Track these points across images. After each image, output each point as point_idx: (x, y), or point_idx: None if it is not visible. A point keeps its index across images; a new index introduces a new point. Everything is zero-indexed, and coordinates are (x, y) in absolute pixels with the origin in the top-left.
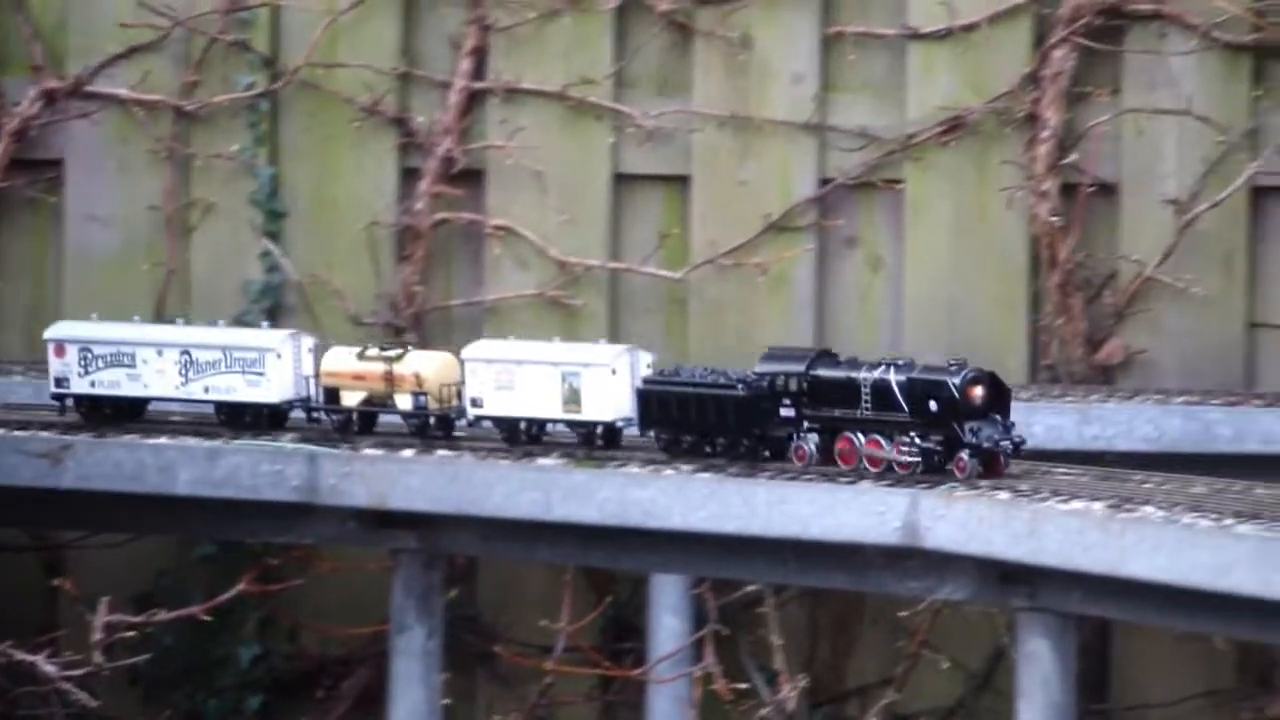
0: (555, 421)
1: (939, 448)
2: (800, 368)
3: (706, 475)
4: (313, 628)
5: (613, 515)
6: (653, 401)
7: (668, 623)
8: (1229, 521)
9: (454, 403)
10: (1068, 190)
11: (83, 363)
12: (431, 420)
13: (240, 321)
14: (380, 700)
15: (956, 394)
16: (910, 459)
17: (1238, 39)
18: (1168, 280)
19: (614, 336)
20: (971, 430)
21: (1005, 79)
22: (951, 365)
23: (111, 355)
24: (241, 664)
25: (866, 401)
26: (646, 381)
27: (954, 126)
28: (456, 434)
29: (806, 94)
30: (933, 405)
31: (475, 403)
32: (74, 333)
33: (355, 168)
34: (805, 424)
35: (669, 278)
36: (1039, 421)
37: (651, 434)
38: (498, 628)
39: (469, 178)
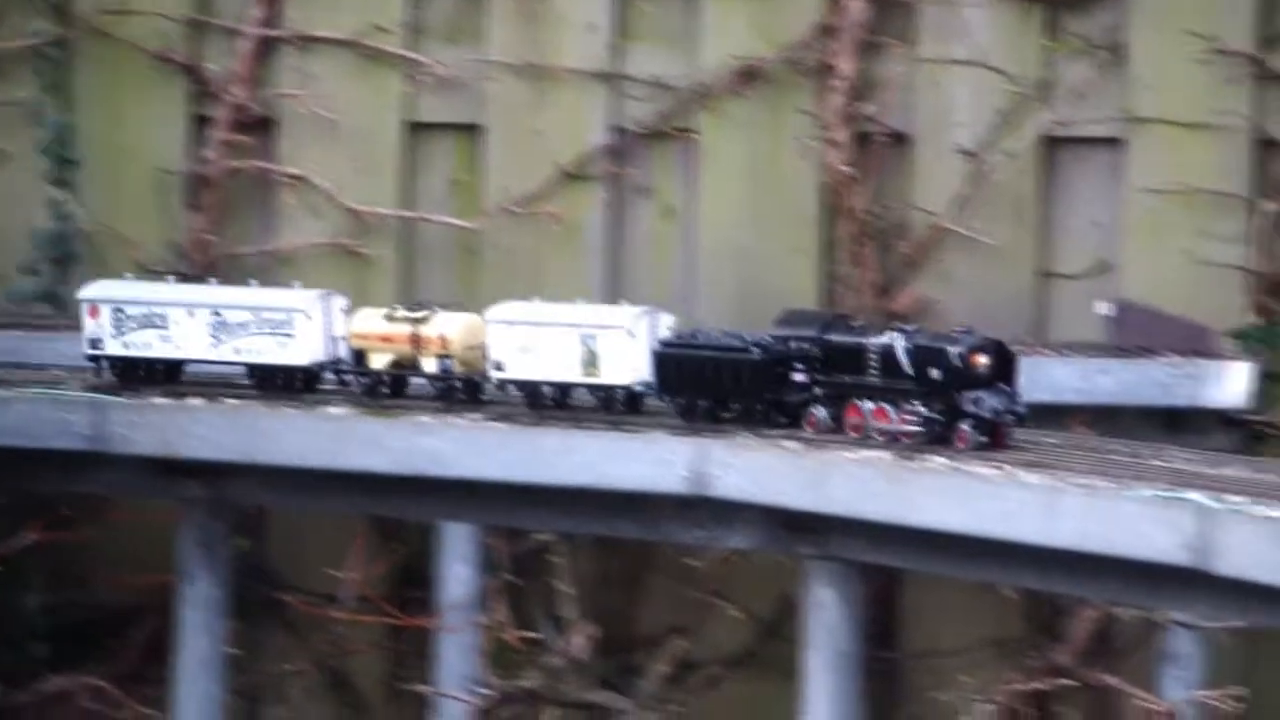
0: (575, 386)
1: (940, 417)
2: (813, 332)
3: (497, 424)
4: (103, 577)
5: (401, 464)
6: (669, 365)
7: (458, 571)
8: (1014, 471)
9: (479, 366)
10: (861, 140)
11: (115, 323)
12: (457, 384)
13: (30, 271)
14: (169, 649)
15: (958, 362)
16: (914, 429)
17: None
18: (960, 229)
19: (406, 285)
20: (972, 400)
21: (799, 29)
22: (957, 332)
23: (143, 316)
24: (29, 613)
25: (874, 368)
26: (663, 344)
27: (747, 76)
28: (483, 398)
29: (600, 43)
30: (934, 373)
31: (498, 366)
32: (107, 293)
33: (147, 116)
34: (817, 390)
35: (462, 226)
36: None
37: (668, 398)
38: (288, 577)
39: (261, 126)
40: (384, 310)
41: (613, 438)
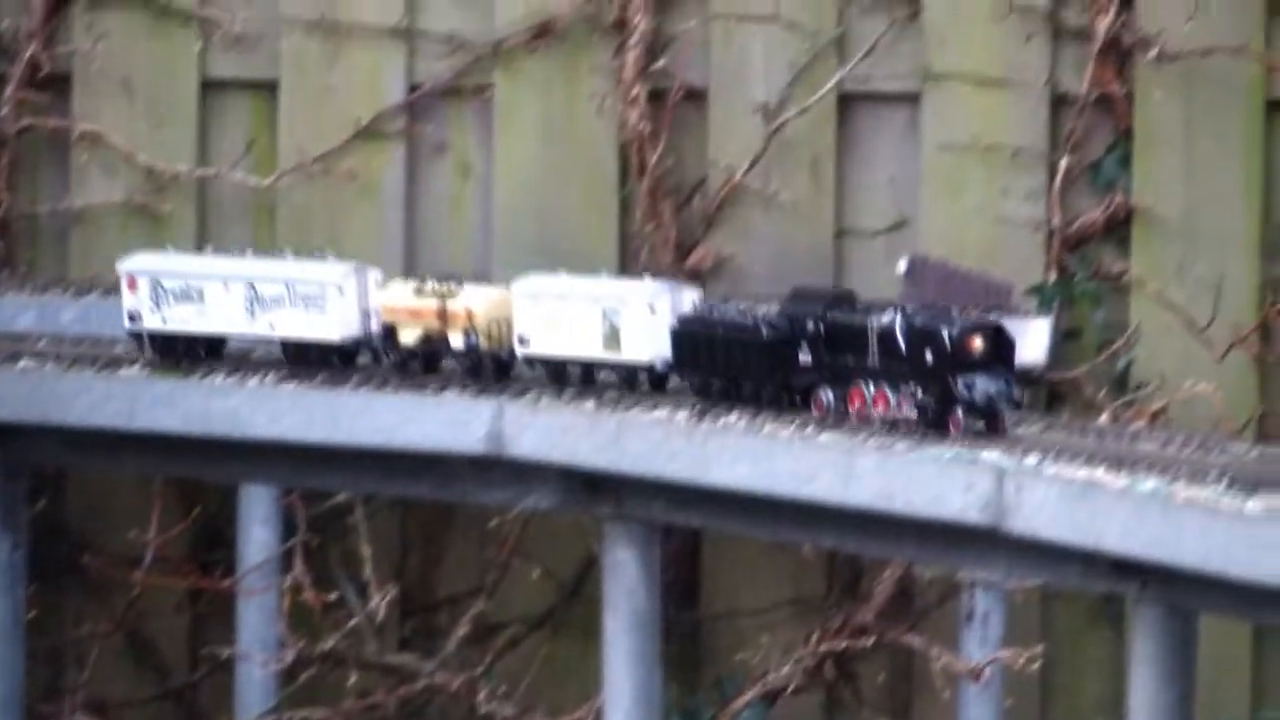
0: (598, 363)
1: (933, 402)
2: (817, 310)
3: (291, 385)
4: None
5: (197, 424)
6: (684, 342)
7: (257, 534)
8: (811, 430)
9: (507, 341)
10: (656, 97)
11: (154, 297)
12: (485, 360)
13: None
14: None
15: (950, 344)
16: (910, 414)
17: None
18: (756, 186)
19: (202, 245)
20: (965, 384)
21: None
22: (956, 313)
23: (181, 289)
24: None
25: (875, 350)
26: (680, 320)
27: (542, 32)
28: (513, 375)
29: (396, 0)
30: (928, 355)
31: (522, 340)
32: (146, 265)
33: None
34: (823, 371)
35: (257, 185)
36: None
37: (684, 376)
38: (87, 539)
39: (55, 83)
40: (414, 283)
41: (410, 398)
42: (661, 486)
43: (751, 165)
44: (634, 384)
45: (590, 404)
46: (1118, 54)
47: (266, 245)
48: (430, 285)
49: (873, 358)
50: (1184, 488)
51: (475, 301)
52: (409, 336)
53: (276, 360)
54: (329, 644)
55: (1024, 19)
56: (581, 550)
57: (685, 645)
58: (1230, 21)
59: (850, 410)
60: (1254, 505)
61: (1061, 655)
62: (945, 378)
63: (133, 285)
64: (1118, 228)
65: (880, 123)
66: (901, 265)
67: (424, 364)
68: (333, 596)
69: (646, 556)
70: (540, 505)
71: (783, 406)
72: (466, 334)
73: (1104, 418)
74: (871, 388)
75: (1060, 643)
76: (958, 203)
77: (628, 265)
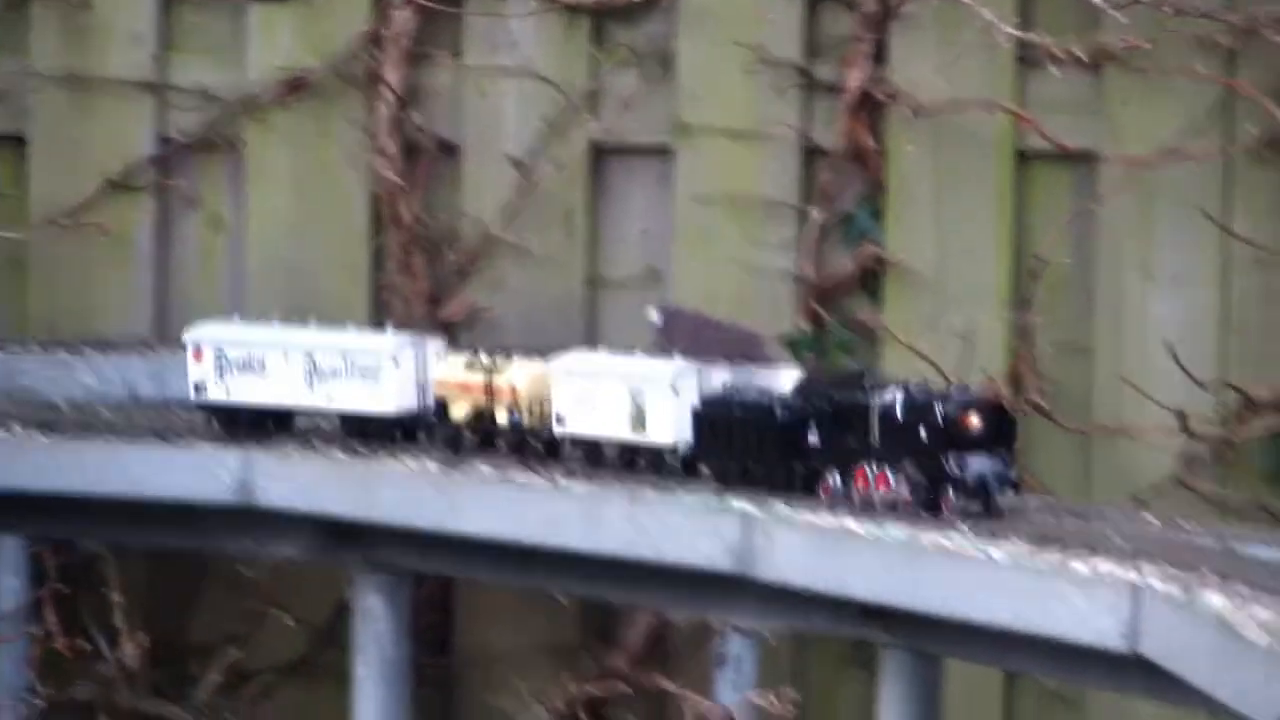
0: (627, 445)
1: (926, 481)
2: (826, 389)
3: (42, 435)
4: None
5: None
6: (705, 424)
7: (8, 583)
8: (560, 479)
9: (548, 419)
10: (410, 150)
11: (218, 367)
12: (528, 439)
13: None
14: None
15: (945, 421)
16: (905, 494)
17: (577, 0)
18: (510, 238)
19: None
20: (958, 463)
21: (346, 39)
22: (954, 389)
23: (243, 360)
24: None
25: (876, 429)
26: (703, 401)
27: (295, 87)
28: (562, 456)
29: (145, 53)
30: (923, 433)
31: (559, 420)
32: (212, 334)
33: None
34: (830, 453)
35: (7, 238)
36: None
37: (704, 461)
38: None
39: None
40: (466, 356)
41: (158, 448)
42: (411, 535)
43: (504, 217)
44: (660, 468)
45: (340, 454)
46: (870, 107)
47: (18, 301)
48: (482, 359)
49: (874, 437)
50: (930, 535)
51: (519, 377)
52: (459, 411)
53: (325, 431)
54: (81, 692)
55: (776, 73)
56: (334, 597)
57: (439, 691)
58: (980, 75)
59: (855, 492)
60: (998, 552)
61: (815, 699)
62: (939, 456)
63: (199, 355)
64: (870, 279)
65: (632, 175)
66: (653, 315)
67: (480, 441)
68: (85, 645)
69: (397, 604)
70: (290, 554)
71: (795, 490)
72: (511, 411)
73: None
74: (874, 468)
75: (813, 686)
76: (710, 254)
77: (380, 317)
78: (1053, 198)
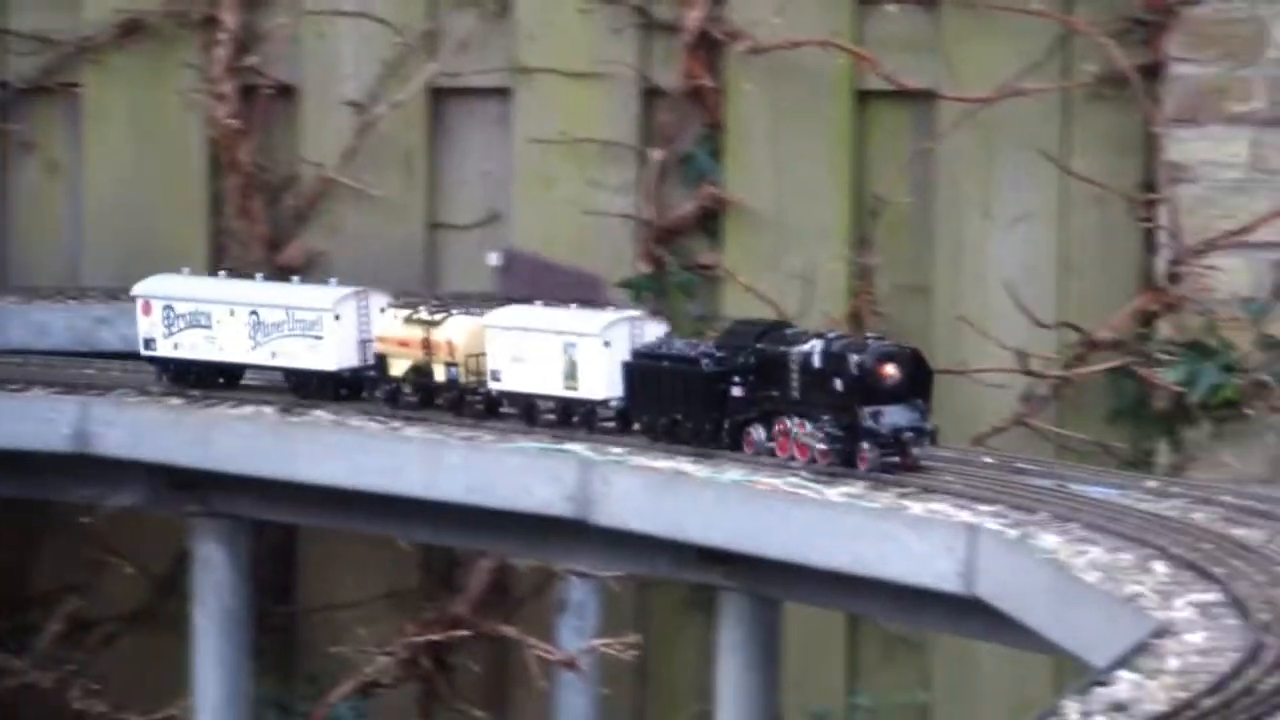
0: (559, 400)
1: (842, 433)
2: (747, 342)
3: None
4: None
5: None
6: (634, 377)
7: None
8: (397, 425)
9: (483, 375)
10: (248, 93)
11: (166, 322)
12: (466, 396)
13: None
14: None
15: (859, 372)
16: (824, 447)
17: None
18: (349, 182)
19: None
20: (871, 415)
21: None
22: (870, 339)
23: (191, 314)
24: None
25: (795, 381)
26: (633, 354)
27: (131, 30)
28: (502, 411)
29: None
30: (838, 384)
31: (495, 375)
32: (159, 289)
33: None
34: (754, 406)
35: None
36: None
37: (635, 414)
38: None
39: None
40: (406, 310)
41: None
42: (250, 483)
43: (343, 161)
44: (592, 424)
45: (176, 400)
46: (708, 47)
47: None
48: (421, 313)
49: (794, 390)
50: (766, 477)
51: (457, 332)
52: (398, 368)
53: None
54: None
55: (614, 12)
56: (175, 546)
57: (281, 640)
58: (819, 14)
59: (777, 447)
60: (835, 495)
61: (658, 643)
62: (854, 408)
63: (147, 310)
64: (709, 220)
65: (472, 117)
66: (493, 258)
67: (420, 399)
68: None
69: (236, 553)
70: (129, 503)
71: (721, 444)
72: (449, 367)
73: None
74: (794, 423)
75: (656, 631)
76: (549, 196)
77: (218, 260)
78: (892, 137)
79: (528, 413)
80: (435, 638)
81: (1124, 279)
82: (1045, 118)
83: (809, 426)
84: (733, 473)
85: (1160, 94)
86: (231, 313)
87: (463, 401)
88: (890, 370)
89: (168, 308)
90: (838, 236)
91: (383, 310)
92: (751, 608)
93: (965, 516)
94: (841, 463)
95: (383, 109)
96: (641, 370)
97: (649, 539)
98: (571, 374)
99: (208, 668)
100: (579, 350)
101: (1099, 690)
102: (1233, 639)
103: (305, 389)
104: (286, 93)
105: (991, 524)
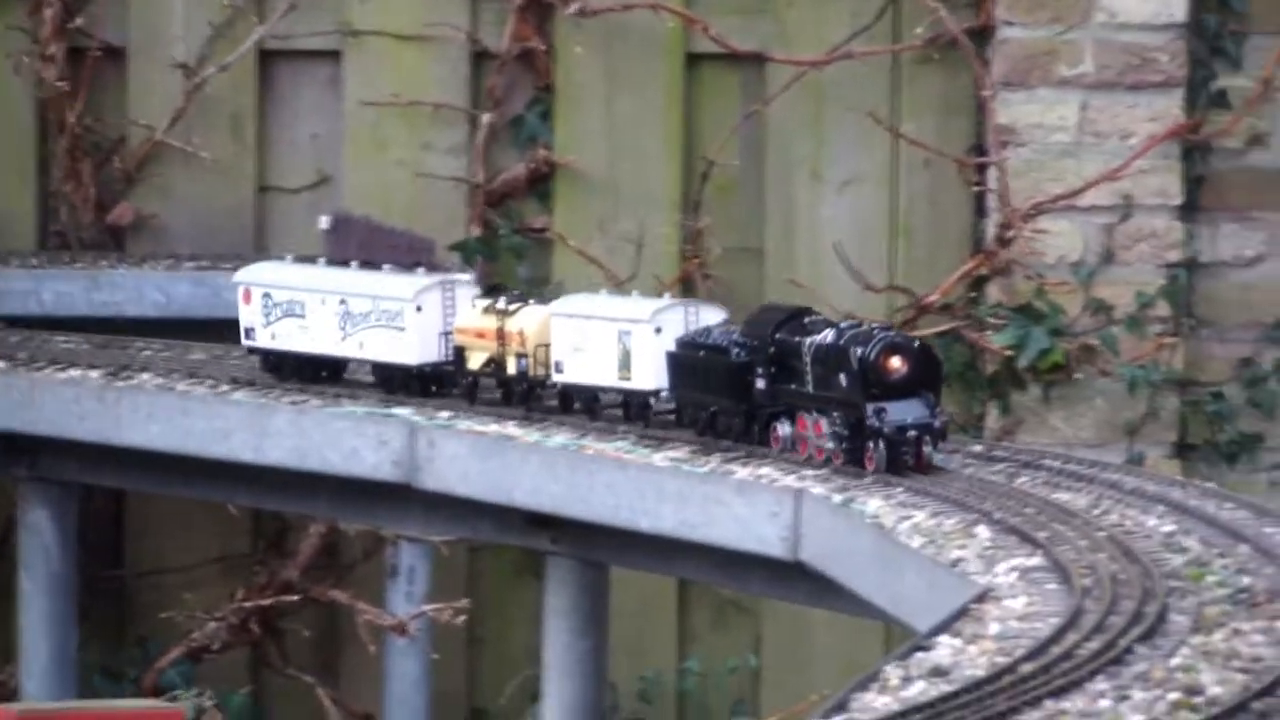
0: (615, 391)
1: (847, 432)
2: (768, 330)
3: None
4: None
5: None
6: (677, 367)
7: None
8: (225, 388)
9: (549, 367)
10: (76, 55)
11: (265, 311)
12: (537, 390)
13: None
14: None
15: (860, 366)
16: (832, 446)
17: None
18: (178, 144)
19: None
20: (876, 412)
21: None
22: (874, 330)
23: (287, 304)
24: None
25: (808, 374)
26: (677, 343)
27: None
28: (574, 408)
29: None
30: (843, 379)
31: (558, 367)
32: (259, 276)
33: None
34: (776, 399)
35: None
36: (48, 289)
37: (678, 406)
38: None
39: None
40: (486, 300)
41: None
42: (75, 447)
43: (172, 123)
44: (647, 417)
45: (2, 364)
46: (538, 10)
47: None
48: (500, 303)
49: (808, 384)
50: (594, 441)
51: (529, 321)
52: (475, 361)
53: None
54: None
55: None
56: (2, 512)
57: (110, 605)
58: None
59: (799, 446)
60: (660, 458)
61: (488, 608)
62: (860, 404)
63: (247, 298)
64: (540, 183)
65: (302, 80)
66: (324, 222)
67: (502, 393)
68: None
69: (63, 517)
70: None
71: (753, 439)
72: (519, 358)
73: None
74: (811, 420)
75: (487, 596)
76: (380, 158)
77: (47, 224)
78: (722, 100)
79: (590, 407)
80: (265, 602)
81: (954, 243)
82: (875, 81)
83: (824, 424)
84: (560, 437)
85: (989, 57)
86: (323, 301)
87: (531, 395)
88: (896, 363)
89: (266, 295)
90: (668, 199)
91: (474, 302)
92: (579, 572)
93: (791, 481)
94: (852, 463)
95: (212, 71)
96: (680, 360)
97: (476, 503)
98: (625, 364)
99: (34, 633)
100: (632, 338)
101: (920, 655)
102: (1053, 604)
103: (390, 384)
104: (114, 54)
105: (817, 489)
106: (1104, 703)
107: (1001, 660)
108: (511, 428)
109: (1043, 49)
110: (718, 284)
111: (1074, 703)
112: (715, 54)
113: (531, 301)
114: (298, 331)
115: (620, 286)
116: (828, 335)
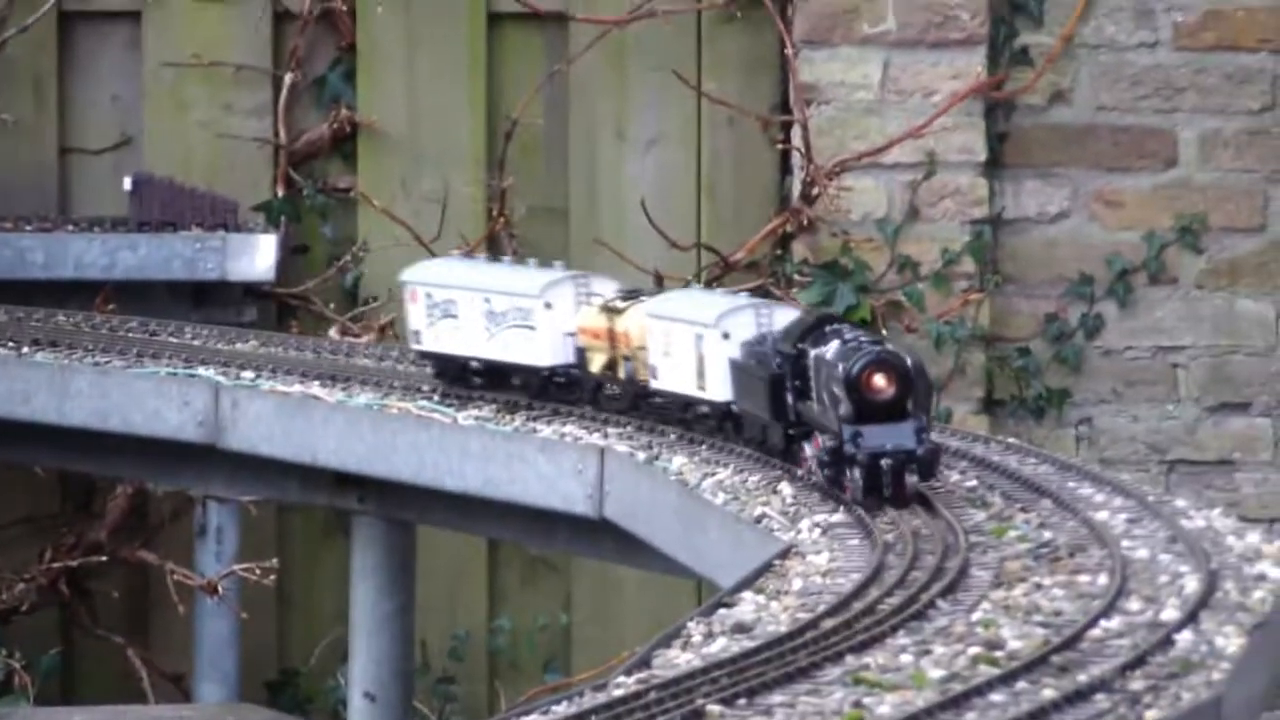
0: (695, 401)
1: (828, 457)
2: (793, 340)
3: None
4: None
5: None
6: (735, 376)
7: None
8: (28, 350)
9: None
10: None
11: (428, 312)
12: (639, 398)
13: None
14: None
15: (844, 383)
16: (818, 470)
17: None
18: None
19: None
20: (853, 436)
21: None
22: (862, 343)
23: (444, 303)
24: None
25: (814, 390)
26: (741, 349)
27: None
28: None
29: None
30: (827, 397)
31: (654, 373)
32: (422, 275)
33: None
34: (798, 416)
35: None
36: None
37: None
38: None
39: None
40: (605, 296)
41: None
42: None
43: None
44: (724, 429)
45: None
46: None
47: None
48: (615, 300)
49: (814, 400)
50: (398, 400)
51: (634, 321)
52: (596, 363)
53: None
54: None
55: None
56: None
57: None
58: None
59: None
60: (464, 416)
61: (297, 568)
62: (840, 428)
63: (414, 298)
64: (343, 143)
65: (102, 41)
66: (126, 183)
67: (628, 402)
68: None
69: None
70: None
71: (786, 457)
72: (625, 361)
73: (333, 331)
74: (822, 438)
75: (296, 556)
76: (182, 119)
77: None
78: (525, 59)
79: (682, 418)
80: (73, 563)
81: (760, 201)
82: (679, 40)
83: (821, 444)
84: (364, 396)
85: (792, 15)
86: (471, 301)
87: (639, 401)
88: (880, 381)
89: (428, 295)
90: (473, 159)
91: (589, 298)
92: (386, 532)
93: (595, 439)
94: (837, 488)
95: (12, 32)
96: (739, 369)
97: (283, 463)
98: (701, 372)
99: None
100: (704, 344)
101: (723, 611)
102: (856, 559)
103: (528, 388)
104: None
105: (621, 446)
106: (905, 657)
107: (804, 616)
108: (316, 388)
109: (845, 7)
110: (523, 244)
111: (875, 657)
112: (518, 13)
113: (643, 298)
114: (454, 333)
115: (425, 247)
116: (829, 349)
